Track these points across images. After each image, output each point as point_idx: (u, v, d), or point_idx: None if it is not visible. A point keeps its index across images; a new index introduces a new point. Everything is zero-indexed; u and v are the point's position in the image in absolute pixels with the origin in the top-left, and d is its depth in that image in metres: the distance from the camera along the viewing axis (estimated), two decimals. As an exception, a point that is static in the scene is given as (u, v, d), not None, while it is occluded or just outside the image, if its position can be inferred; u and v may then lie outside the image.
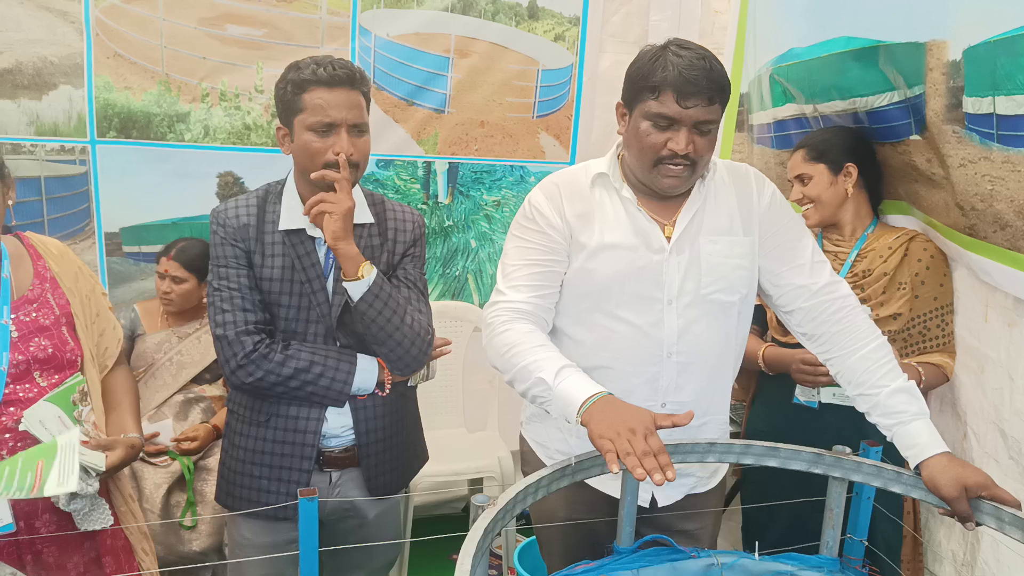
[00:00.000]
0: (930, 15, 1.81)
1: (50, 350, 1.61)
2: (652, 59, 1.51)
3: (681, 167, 1.53)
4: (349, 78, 1.69)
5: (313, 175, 1.67)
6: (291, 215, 1.78)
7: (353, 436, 1.85)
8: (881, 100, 2.05)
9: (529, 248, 1.64)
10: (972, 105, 1.71)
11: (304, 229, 1.77)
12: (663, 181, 1.55)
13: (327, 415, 1.81)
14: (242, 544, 1.88)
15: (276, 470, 1.81)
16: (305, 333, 1.79)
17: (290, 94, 1.70)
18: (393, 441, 1.91)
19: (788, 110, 2.47)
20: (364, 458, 1.86)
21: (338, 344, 1.82)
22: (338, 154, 1.67)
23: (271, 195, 1.82)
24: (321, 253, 1.79)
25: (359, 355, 1.81)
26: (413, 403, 2.03)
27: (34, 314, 1.62)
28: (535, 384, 1.48)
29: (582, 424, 1.38)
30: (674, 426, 1.35)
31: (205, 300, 2.62)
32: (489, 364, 1.62)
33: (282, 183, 1.83)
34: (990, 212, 1.72)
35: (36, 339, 1.60)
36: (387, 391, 1.85)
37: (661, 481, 1.23)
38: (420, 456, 2.08)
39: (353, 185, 1.75)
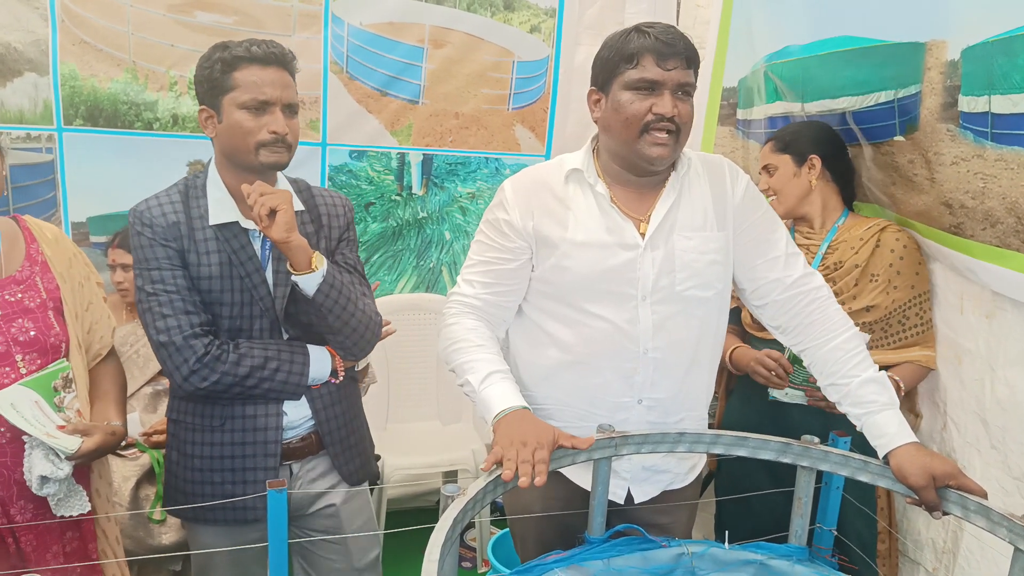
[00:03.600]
0: (931, 15, 1.84)
1: (32, 333, 1.60)
2: (623, 35, 1.55)
3: (667, 134, 1.52)
4: (281, 57, 1.67)
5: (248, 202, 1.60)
6: (220, 208, 1.71)
7: (312, 425, 1.82)
8: (869, 100, 2.07)
9: (487, 245, 1.67)
10: (968, 104, 1.74)
11: (237, 222, 1.71)
12: (651, 150, 1.53)
13: (285, 408, 1.78)
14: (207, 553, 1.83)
15: (240, 472, 1.75)
16: (251, 329, 1.74)
17: (219, 72, 1.64)
18: (353, 425, 1.91)
19: (778, 107, 2.49)
20: (329, 445, 1.84)
21: (286, 336, 1.78)
22: (274, 133, 1.64)
23: (192, 189, 1.74)
24: (257, 245, 1.73)
25: (310, 346, 1.79)
26: (359, 387, 2.03)
27: (20, 295, 1.61)
28: (465, 384, 1.59)
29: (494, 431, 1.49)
30: (573, 448, 1.47)
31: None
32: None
33: (202, 175, 1.76)
34: (980, 209, 1.75)
35: (19, 320, 1.59)
36: (341, 378, 1.83)
37: (526, 483, 1.34)
38: (371, 440, 2.05)
39: (285, 167, 1.72)
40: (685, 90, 1.54)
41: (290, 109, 1.68)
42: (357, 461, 1.90)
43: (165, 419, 2.43)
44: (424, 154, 3.15)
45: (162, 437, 2.38)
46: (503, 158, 3.26)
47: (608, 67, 1.57)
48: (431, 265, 3.28)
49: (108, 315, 1.82)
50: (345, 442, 1.87)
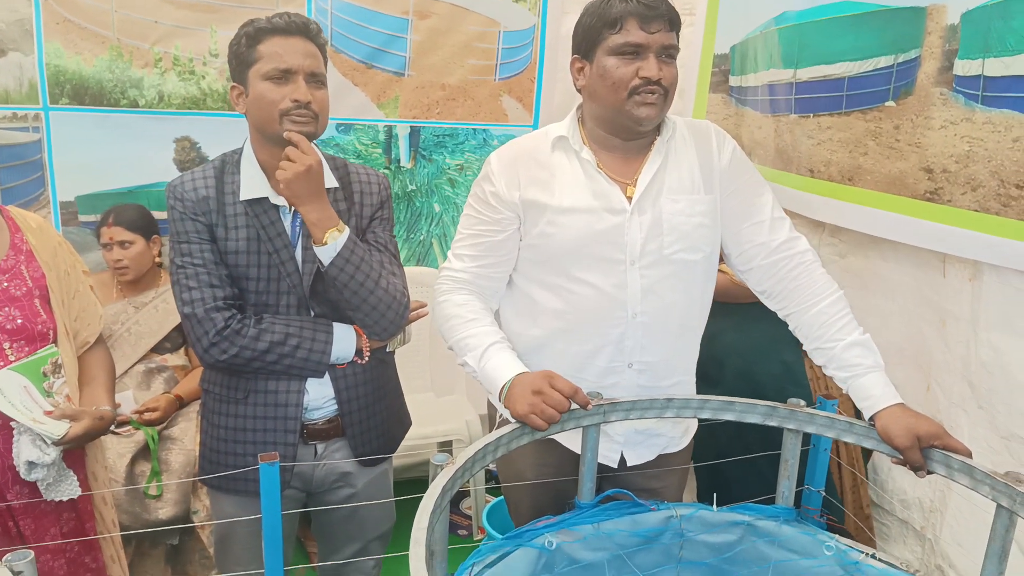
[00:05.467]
0: None
1: (19, 320, 1.60)
2: (604, 1, 1.55)
3: (656, 95, 1.53)
4: (304, 27, 1.67)
5: (284, 133, 1.62)
6: (252, 184, 1.72)
7: (335, 406, 1.81)
8: (868, 66, 2.06)
9: (476, 218, 1.69)
10: (963, 68, 1.75)
11: (267, 198, 1.71)
12: (640, 111, 1.53)
13: (307, 387, 1.77)
14: (227, 522, 1.84)
15: (261, 446, 1.77)
16: (277, 305, 1.74)
17: (244, 47, 1.66)
18: (377, 408, 1.88)
19: (772, 75, 2.48)
20: (348, 427, 1.83)
21: (312, 314, 1.78)
22: (296, 101, 1.63)
23: (228, 165, 1.75)
24: (287, 222, 1.74)
25: (335, 324, 1.78)
26: (393, 369, 2.00)
27: (5, 284, 1.61)
28: (464, 365, 1.64)
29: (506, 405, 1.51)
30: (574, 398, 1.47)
31: (158, 261, 2.62)
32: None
33: (239, 152, 1.76)
34: (963, 173, 1.75)
35: (6, 309, 1.59)
36: (366, 358, 1.82)
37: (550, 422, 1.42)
38: (404, 422, 2.05)
39: (315, 138, 1.70)
40: (669, 53, 1.54)
41: (315, 78, 1.67)
42: (375, 443, 1.89)
43: (157, 397, 2.47)
44: (411, 127, 3.13)
45: (155, 415, 2.41)
46: (491, 129, 3.25)
47: (591, 34, 1.56)
48: (421, 238, 3.29)
49: (95, 303, 1.82)
50: (364, 424, 1.85)
